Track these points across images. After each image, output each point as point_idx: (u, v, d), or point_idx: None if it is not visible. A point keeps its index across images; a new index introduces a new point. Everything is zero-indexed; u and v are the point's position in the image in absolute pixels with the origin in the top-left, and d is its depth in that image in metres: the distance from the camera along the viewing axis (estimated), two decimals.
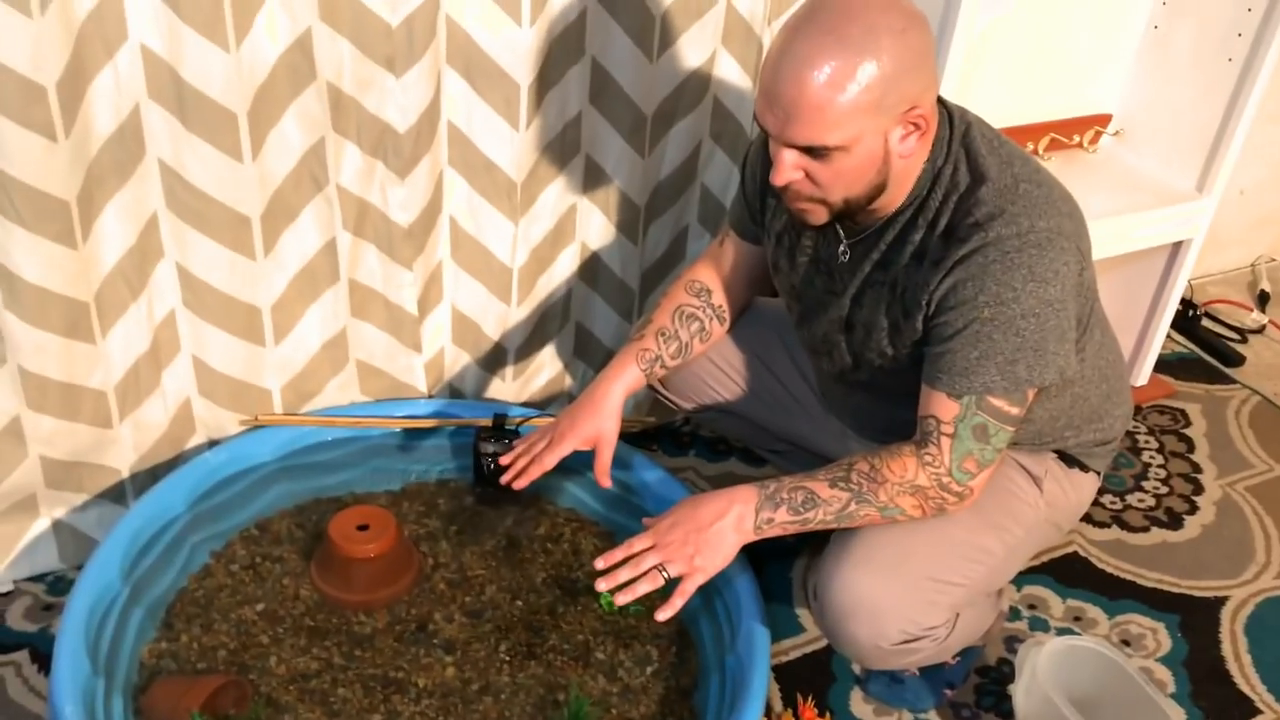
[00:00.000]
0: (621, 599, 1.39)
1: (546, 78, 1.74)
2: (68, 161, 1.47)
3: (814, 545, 1.96)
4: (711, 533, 1.38)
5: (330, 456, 1.90)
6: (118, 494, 1.80)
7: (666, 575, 1.38)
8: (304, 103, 1.61)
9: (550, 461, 1.57)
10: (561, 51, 1.73)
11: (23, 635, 1.70)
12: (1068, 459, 1.58)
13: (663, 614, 1.38)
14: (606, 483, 1.58)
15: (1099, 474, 1.63)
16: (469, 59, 1.69)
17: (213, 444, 1.86)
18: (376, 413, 1.93)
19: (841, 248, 1.46)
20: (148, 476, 1.81)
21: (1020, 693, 1.59)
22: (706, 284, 1.69)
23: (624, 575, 1.38)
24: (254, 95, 1.56)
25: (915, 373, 1.42)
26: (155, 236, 1.64)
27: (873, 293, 1.44)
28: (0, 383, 1.60)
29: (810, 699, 1.61)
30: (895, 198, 1.38)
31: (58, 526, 1.78)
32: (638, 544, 1.40)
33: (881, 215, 1.41)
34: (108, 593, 1.58)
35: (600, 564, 1.40)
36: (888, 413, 1.54)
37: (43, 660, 1.65)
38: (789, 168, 1.31)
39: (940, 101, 1.39)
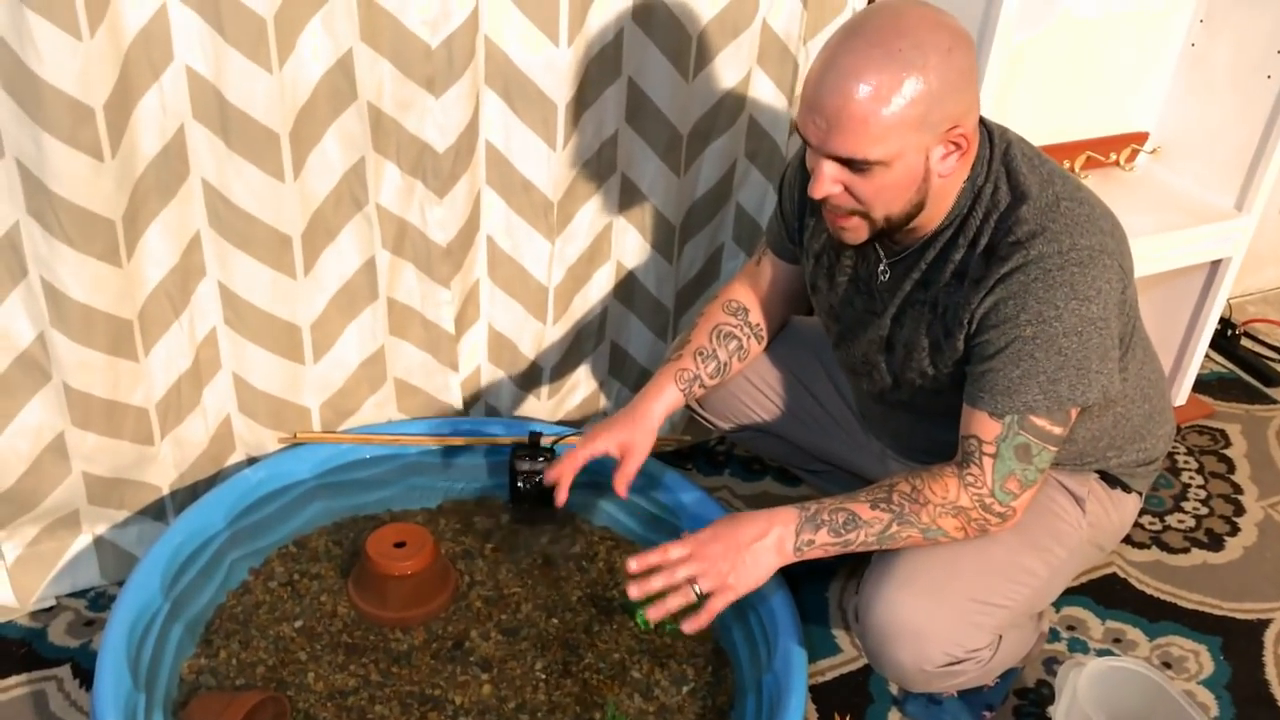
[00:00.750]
0: (653, 614, 1.39)
1: (583, 97, 1.75)
2: (114, 181, 1.49)
3: (850, 566, 1.96)
4: (749, 552, 1.38)
5: (368, 474, 1.92)
6: (158, 511, 1.82)
7: (698, 591, 1.37)
8: (345, 123, 1.62)
9: (581, 456, 1.56)
10: (599, 71, 1.74)
11: (64, 650, 1.71)
12: (1110, 479, 1.57)
13: (689, 626, 1.38)
14: (624, 492, 1.57)
15: (1141, 494, 1.61)
16: (507, 79, 1.70)
17: (251, 461, 1.87)
18: (414, 430, 1.94)
19: (881, 267, 1.46)
20: (187, 494, 1.83)
21: (1060, 714, 1.57)
22: (743, 303, 1.69)
23: (656, 584, 1.38)
24: (296, 116, 1.58)
25: (956, 393, 1.41)
26: (198, 255, 1.66)
27: (913, 312, 1.44)
28: (45, 400, 1.62)
29: (848, 717, 1.60)
30: (935, 216, 1.38)
31: (99, 543, 1.80)
32: (674, 551, 1.39)
33: (921, 234, 1.41)
34: (149, 608, 1.59)
35: (634, 565, 1.39)
36: (928, 433, 1.53)
37: (84, 675, 1.67)
38: (828, 180, 1.31)
39: (980, 120, 1.39)
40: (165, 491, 1.80)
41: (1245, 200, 2.19)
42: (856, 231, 1.37)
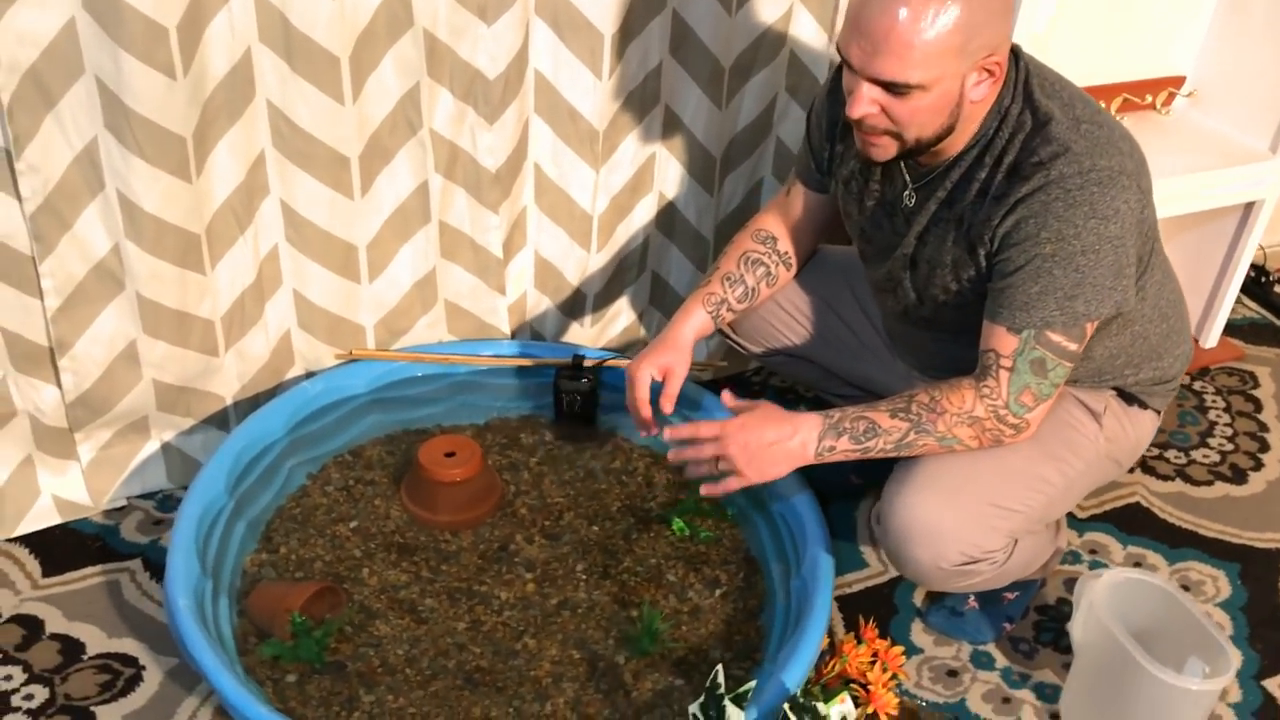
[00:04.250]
0: (673, 456, 1.53)
1: (629, 28, 1.82)
2: (185, 99, 1.58)
3: (878, 488, 2.02)
4: (771, 450, 1.47)
5: (419, 391, 2.01)
6: (221, 420, 1.92)
7: (717, 469, 1.50)
8: (401, 48, 1.70)
9: (643, 397, 1.64)
10: (643, 3, 1.81)
11: (135, 546, 1.82)
12: (1127, 397, 1.63)
13: (706, 489, 1.51)
14: (670, 408, 1.65)
15: (1158, 412, 1.67)
16: (556, 8, 1.77)
17: (310, 375, 1.97)
18: (464, 351, 2.02)
19: (908, 192, 1.52)
20: (249, 404, 1.93)
21: (1078, 625, 1.63)
22: (772, 231, 1.76)
23: (686, 454, 1.51)
24: (356, 40, 1.66)
25: (977, 309, 1.48)
26: (262, 174, 1.75)
27: (938, 230, 1.50)
28: (119, 308, 1.72)
29: (872, 620, 1.68)
30: (961, 139, 1.44)
31: (166, 449, 1.90)
32: (704, 430, 1.50)
33: (947, 156, 1.47)
34: (215, 504, 1.70)
35: (668, 434, 1.53)
36: (951, 351, 1.59)
37: (154, 569, 1.78)
38: (866, 101, 1.36)
39: None
40: (229, 401, 1.91)
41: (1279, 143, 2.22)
42: (885, 149, 1.43)
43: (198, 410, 1.89)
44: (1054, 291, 1.38)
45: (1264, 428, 2.28)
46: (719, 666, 1.37)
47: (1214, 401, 2.34)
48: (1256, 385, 2.41)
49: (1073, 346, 1.42)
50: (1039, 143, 1.40)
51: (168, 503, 1.91)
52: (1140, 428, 1.64)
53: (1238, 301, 2.59)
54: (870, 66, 1.33)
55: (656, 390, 1.65)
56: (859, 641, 1.63)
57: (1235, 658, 1.49)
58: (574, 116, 1.88)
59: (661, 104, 1.94)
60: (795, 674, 1.49)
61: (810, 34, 1.96)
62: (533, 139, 1.90)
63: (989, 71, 1.36)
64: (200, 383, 1.85)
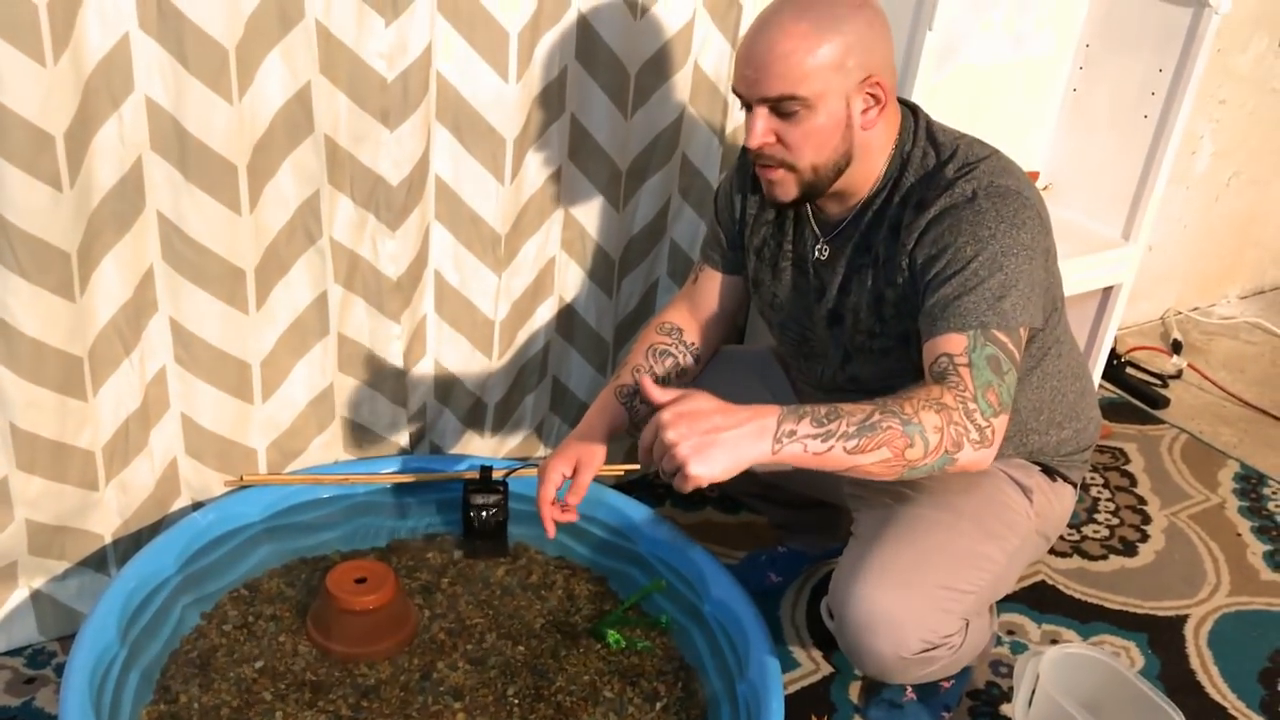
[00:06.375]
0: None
1: (529, 133, 1.80)
2: (71, 212, 1.47)
3: (798, 586, 2.00)
4: (721, 436, 1.25)
5: (315, 516, 1.89)
6: (99, 561, 1.76)
7: (656, 462, 1.28)
8: (301, 155, 1.64)
9: (549, 495, 1.58)
10: (544, 107, 1.80)
11: (5, 710, 1.63)
12: (1049, 472, 1.66)
13: (678, 483, 1.27)
14: (576, 499, 1.58)
15: (1075, 487, 1.71)
16: (457, 113, 1.74)
17: (197, 506, 1.83)
18: (363, 470, 1.92)
19: (819, 246, 1.55)
20: (130, 542, 1.77)
21: (1020, 705, 1.64)
22: (677, 323, 1.75)
23: (645, 436, 1.29)
24: (254, 147, 1.59)
25: (900, 356, 1.51)
26: (150, 290, 1.63)
27: (859, 278, 1.52)
28: None
29: (826, 716, 1.63)
30: (864, 179, 1.49)
31: (37, 597, 1.72)
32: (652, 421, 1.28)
33: (853, 204, 1.51)
34: (107, 654, 1.53)
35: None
36: None
37: None
38: (760, 131, 1.42)
39: (903, 101, 1.52)
40: (108, 540, 1.74)
41: (1131, 230, 2.36)
42: (785, 185, 1.46)
43: (73, 552, 1.72)
44: (983, 292, 1.38)
45: (1142, 500, 2.37)
46: None
47: (1094, 478, 2.43)
48: (1128, 461, 2.51)
49: (1015, 352, 1.38)
50: (942, 173, 1.45)
51: (39, 657, 1.72)
52: (1063, 502, 1.68)
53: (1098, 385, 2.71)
54: (756, 88, 1.40)
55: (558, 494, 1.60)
56: None
57: None
58: (476, 221, 1.84)
59: (561, 207, 1.92)
60: None
61: (701, 135, 1.98)
62: (434, 245, 1.85)
63: (874, 97, 1.42)
64: (77, 520, 1.69)
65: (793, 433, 1.27)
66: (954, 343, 1.38)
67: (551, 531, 1.58)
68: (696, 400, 1.27)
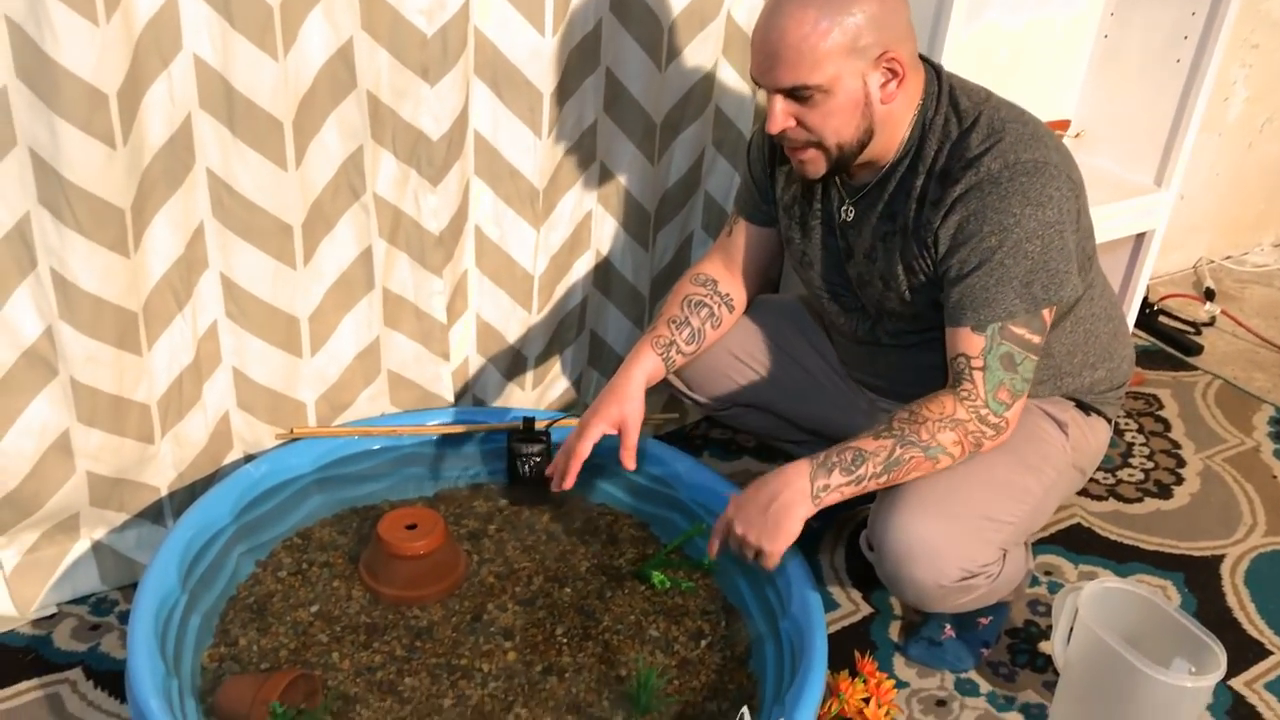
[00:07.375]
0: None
1: (566, 86, 1.83)
2: (124, 169, 1.51)
3: (835, 531, 2.04)
4: (773, 511, 1.47)
5: (364, 467, 1.93)
6: (156, 514, 1.81)
7: (745, 556, 1.52)
8: (344, 111, 1.67)
9: (583, 450, 1.62)
10: (579, 61, 1.82)
11: (73, 654, 1.68)
12: (1084, 407, 1.69)
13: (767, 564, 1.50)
14: (632, 464, 1.63)
15: (1110, 421, 1.73)
16: (495, 68, 1.76)
17: (249, 458, 1.87)
18: (410, 422, 1.96)
19: (845, 207, 1.57)
20: (185, 495, 1.82)
21: (1059, 639, 1.66)
22: (712, 275, 1.77)
23: (715, 543, 1.57)
24: (298, 104, 1.62)
25: (932, 316, 1.53)
26: (201, 246, 1.67)
27: (885, 245, 1.55)
28: (51, 396, 1.61)
29: (869, 654, 1.67)
30: (887, 147, 1.50)
31: (98, 548, 1.78)
32: (717, 527, 1.55)
33: (879, 169, 1.53)
34: (170, 598, 1.58)
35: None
36: (911, 366, 1.63)
37: (98, 677, 1.65)
38: (781, 116, 1.44)
39: (925, 60, 1.52)
40: (164, 493, 1.79)
41: (1163, 176, 2.36)
42: (815, 163, 1.49)
43: (131, 504, 1.77)
44: (1010, 281, 1.43)
45: (1176, 445, 2.39)
46: (744, 709, 1.34)
47: (1128, 424, 2.44)
48: (1161, 407, 2.52)
49: (1035, 339, 1.46)
50: (966, 146, 1.47)
51: (102, 606, 1.77)
52: (1098, 436, 1.70)
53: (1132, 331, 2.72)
54: (772, 78, 1.42)
55: (606, 444, 1.63)
56: (854, 676, 1.62)
57: (1222, 652, 1.53)
58: (514, 175, 1.86)
59: (597, 161, 1.95)
60: (805, 715, 1.46)
61: (735, 86, 2.00)
62: (473, 200, 1.88)
63: (891, 71, 1.43)
64: (135, 473, 1.74)
65: (826, 486, 1.46)
66: (972, 343, 1.45)
67: (559, 484, 1.62)
68: (742, 493, 1.52)
